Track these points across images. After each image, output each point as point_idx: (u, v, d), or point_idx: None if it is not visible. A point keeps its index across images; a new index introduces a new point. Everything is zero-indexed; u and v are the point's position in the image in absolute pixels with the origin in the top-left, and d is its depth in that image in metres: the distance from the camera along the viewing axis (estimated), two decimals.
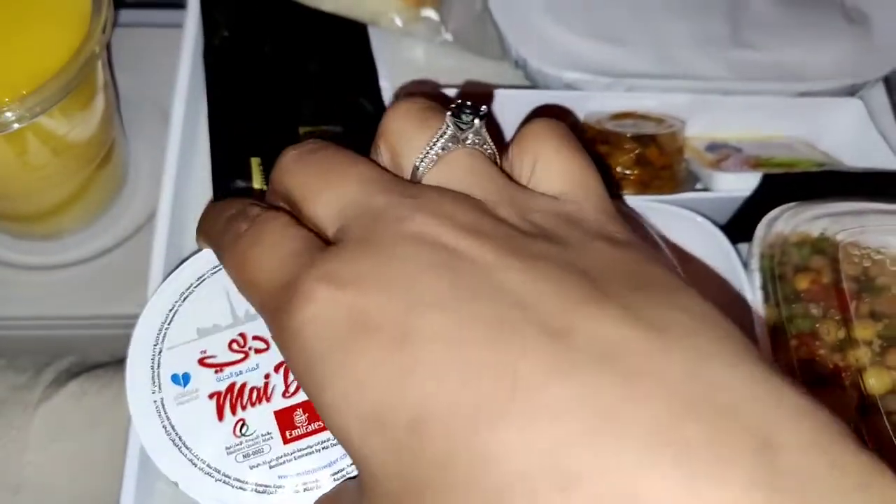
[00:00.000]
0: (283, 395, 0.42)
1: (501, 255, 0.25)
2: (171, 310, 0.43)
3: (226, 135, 0.52)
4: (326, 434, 0.40)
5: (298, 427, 0.41)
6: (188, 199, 0.53)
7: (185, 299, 0.43)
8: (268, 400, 0.42)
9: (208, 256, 0.44)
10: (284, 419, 0.41)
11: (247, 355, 0.42)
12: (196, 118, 0.54)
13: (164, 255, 0.48)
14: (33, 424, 0.57)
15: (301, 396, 0.41)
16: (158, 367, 0.42)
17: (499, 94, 0.55)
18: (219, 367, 0.42)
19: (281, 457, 0.40)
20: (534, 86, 0.58)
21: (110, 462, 0.54)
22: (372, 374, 0.25)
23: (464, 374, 0.23)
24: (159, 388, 0.41)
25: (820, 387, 0.47)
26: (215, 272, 0.44)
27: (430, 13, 0.57)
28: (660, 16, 0.57)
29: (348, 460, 0.39)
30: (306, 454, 0.40)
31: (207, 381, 0.41)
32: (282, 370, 0.42)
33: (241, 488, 0.39)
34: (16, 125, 0.41)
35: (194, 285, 0.44)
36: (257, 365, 0.42)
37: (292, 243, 0.30)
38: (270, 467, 0.40)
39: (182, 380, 0.41)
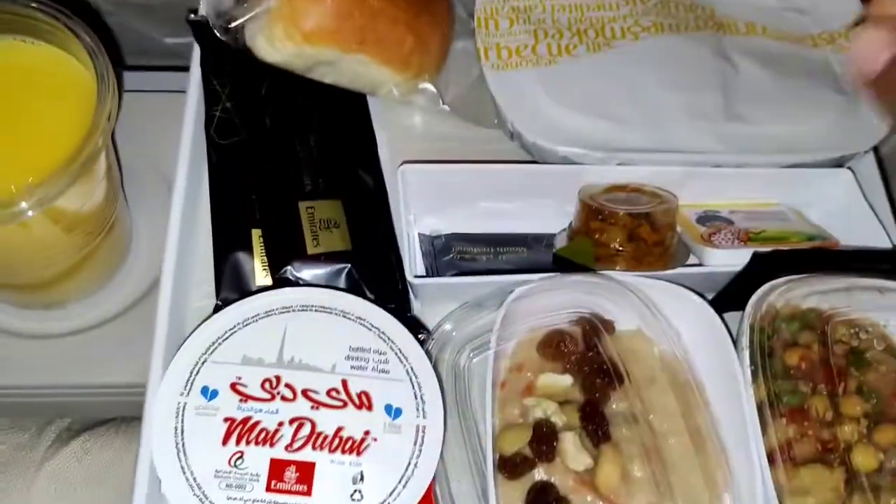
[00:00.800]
0: (286, 447, 0.44)
1: None
2: (231, 329, 0.47)
3: (227, 207, 0.54)
4: (305, 500, 0.42)
5: (285, 482, 0.43)
6: (190, 269, 0.54)
7: (246, 324, 0.47)
8: (271, 445, 0.44)
9: (284, 296, 0.48)
10: (277, 469, 0.43)
11: (273, 398, 0.45)
12: (198, 188, 0.55)
13: (166, 327, 0.49)
14: (37, 484, 0.58)
15: (300, 455, 0.43)
16: (197, 374, 0.45)
17: (495, 169, 0.56)
18: (245, 397, 0.45)
19: (257, 501, 0.42)
20: (530, 155, 0.59)
21: None
22: None
23: None
24: (188, 393, 0.45)
25: (808, 464, 0.47)
26: (283, 312, 0.47)
27: (427, 85, 0.58)
28: (653, 91, 0.58)
29: None
30: None
31: (230, 405, 0.44)
32: (294, 425, 0.44)
33: None
34: (29, 213, 0.43)
35: (260, 316, 0.47)
36: (277, 410, 0.44)
37: None
38: None
39: (210, 394, 0.45)
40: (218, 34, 0.53)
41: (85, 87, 0.46)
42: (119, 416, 0.61)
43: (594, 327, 0.51)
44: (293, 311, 0.47)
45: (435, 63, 0.57)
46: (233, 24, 0.52)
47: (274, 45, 0.52)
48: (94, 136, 0.43)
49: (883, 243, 0.55)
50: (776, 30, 0.62)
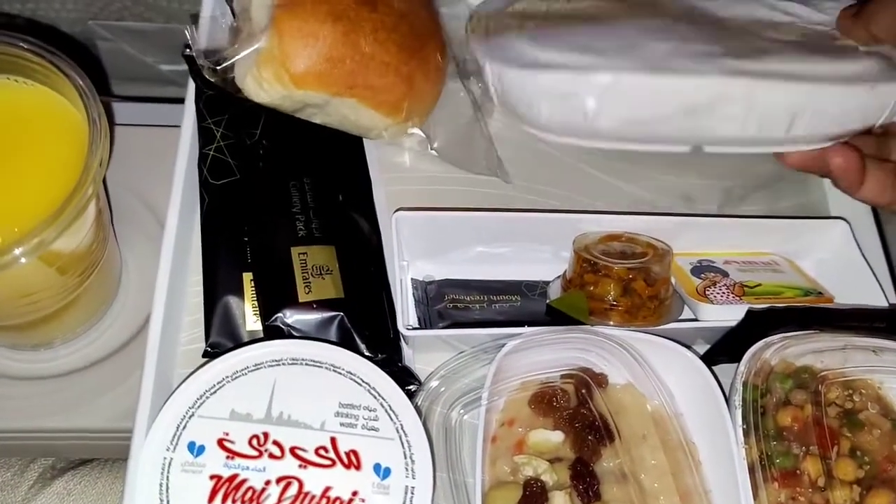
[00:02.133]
0: None
1: None
2: (219, 382, 0.46)
3: (219, 249, 0.53)
4: None
5: None
6: (180, 312, 0.53)
7: (235, 378, 0.46)
8: None
9: (273, 348, 0.47)
10: None
11: (260, 455, 0.44)
12: (190, 228, 0.54)
13: (154, 372, 0.48)
14: None
15: None
16: (184, 428, 0.44)
17: (489, 216, 0.55)
18: (232, 454, 0.44)
19: None
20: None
21: None
22: None
23: None
24: (174, 449, 0.44)
25: None
26: (273, 365, 0.47)
27: (416, 130, 0.57)
28: (645, 39, 0.54)
29: None
30: None
31: (216, 462, 0.43)
32: (282, 484, 0.43)
33: None
34: (23, 260, 0.42)
35: (249, 369, 0.46)
36: (264, 468, 0.44)
37: None
38: None
39: (196, 450, 0.44)
40: (206, 75, 0.52)
41: (76, 129, 0.45)
42: (104, 457, 0.60)
43: (586, 382, 0.51)
44: (283, 364, 0.46)
45: (424, 107, 0.57)
46: (222, 65, 0.51)
47: (262, 86, 0.51)
48: (85, 183, 0.42)
49: (877, 297, 0.55)
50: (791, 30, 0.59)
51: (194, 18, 0.53)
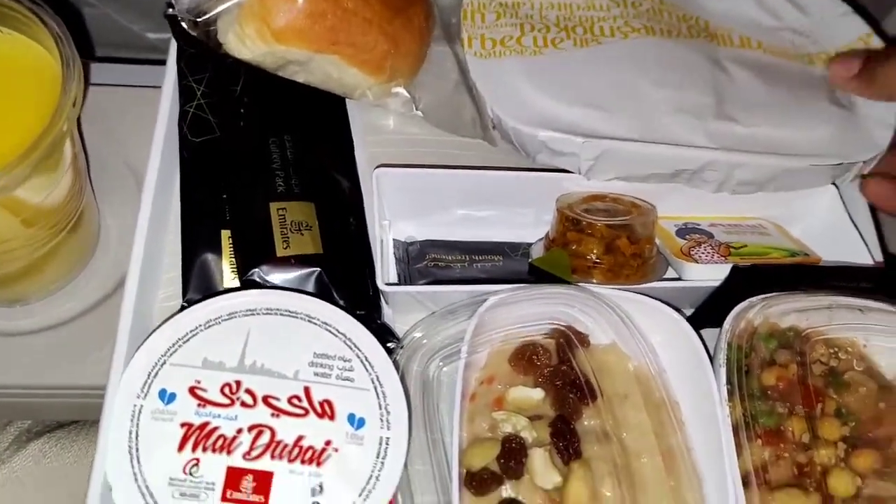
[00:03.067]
0: (244, 455, 0.42)
1: None
2: (192, 330, 0.45)
3: (198, 206, 0.52)
4: None
5: (242, 492, 0.42)
6: (157, 269, 0.53)
7: (209, 326, 0.45)
8: (228, 453, 0.42)
9: (248, 298, 0.46)
10: (233, 478, 0.42)
11: (232, 403, 0.43)
12: (169, 185, 0.54)
13: (129, 328, 0.48)
14: None
15: (258, 464, 0.42)
16: (155, 376, 0.44)
17: (471, 174, 0.55)
18: (204, 402, 0.43)
19: None
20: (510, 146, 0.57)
21: None
22: None
23: None
24: (145, 396, 0.43)
25: (783, 488, 0.46)
26: (247, 315, 0.46)
27: (400, 90, 0.57)
28: (639, 85, 0.56)
29: None
30: None
31: (187, 410, 0.43)
32: (254, 432, 0.43)
33: None
34: None
35: (223, 318, 0.46)
36: (236, 416, 0.43)
37: None
38: None
39: (168, 398, 0.43)
40: (187, 28, 0.52)
41: (52, 75, 0.45)
42: (81, 420, 0.60)
43: (568, 340, 0.50)
44: (258, 314, 0.46)
45: (409, 67, 0.56)
46: (202, 19, 0.51)
47: (244, 42, 0.51)
48: (58, 120, 0.42)
49: (865, 261, 0.54)
50: (772, 45, 0.61)
51: None
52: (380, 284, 0.50)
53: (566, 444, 0.47)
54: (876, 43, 0.60)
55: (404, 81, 0.56)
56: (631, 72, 0.56)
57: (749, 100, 0.57)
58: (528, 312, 0.50)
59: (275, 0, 0.50)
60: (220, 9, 0.51)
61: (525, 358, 0.50)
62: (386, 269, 0.53)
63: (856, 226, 0.56)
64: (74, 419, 0.59)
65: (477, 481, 0.46)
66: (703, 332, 0.51)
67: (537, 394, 0.49)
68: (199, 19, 0.51)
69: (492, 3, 0.59)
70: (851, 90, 0.58)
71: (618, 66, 0.56)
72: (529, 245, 0.57)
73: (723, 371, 0.48)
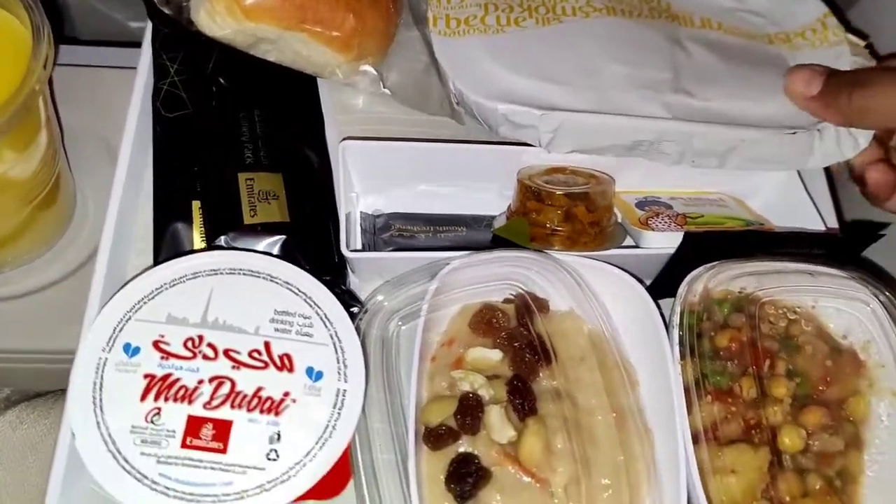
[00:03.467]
0: (205, 405, 0.44)
1: None
2: (157, 288, 0.47)
3: (169, 178, 0.54)
4: (220, 457, 0.43)
5: (201, 439, 0.43)
6: (131, 239, 0.55)
7: (173, 285, 0.47)
8: (189, 402, 0.44)
9: (212, 258, 0.48)
10: (193, 426, 0.43)
11: (194, 356, 0.45)
12: (143, 160, 0.56)
13: (100, 293, 0.49)
14: None
15: (218, 413, 0.44)
16: (120, 331, 0.45)
17: (436, 147, 0.56)
18: (167, 354, 0.45)
19: (171, 457, 0.43)
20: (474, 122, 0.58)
21: (43, 491, 0.55)
22: None
23: None
24: (109, 350, 0.45)
25: (733, 444, 0.47)
26: (211, 274, 0.48)
27: (368, 68, 0.58)
28: (598, 61, 0.57)
29: (228, 489, 0.42)
30: (194, 466, 0.42)
31: (151, 362, 0.45)
32: (214, 383, 0.44)
33: (124, 469, 0.42)
34: None
35: (188, 277, 0.48)
36: (198, 368, 0.45)
37: None
38: (158, 461, 0.42)
39: (132, 351, 0.45)
40: (159, 5, 0.53)
41: (24, 43, 0.47)
42: (59, 389, 0.61)
43: (527, 304, 0.51)
44: (221, 273, 0.47)
45: (377, 46, 0.58)
46: None
47: (215, 19, 0.52)
48: (29, 79, 0.44)
49: (819, 230, 0.55)
50: (732, 26, 0.62)
51: None
52: (344, 251, 0.51)
53: (522, 401, 0.48)
54: (832, 24, 0.61)
55: (373, 60, 0.58)
56: (590, 48, 0.58)
57: (706, 75, 0.58)
58: (488, 276, 0.52)
59: None
60: None
61: (485, 321, 0.52)
62: (353, 239, 0.55)
63: (811, 197, 0.57)
64: (52, 388, 0.60)
65: (434, 436, 0.47)
66: (661, 302, 0.53)
67: (496, 355, 0.51)
68: None
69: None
70: (807, 109, 0.56)
71: (578, 42, 0.58)
72: (493, 217, 0.58)
73: (676, 332, 0.49)
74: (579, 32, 0.59)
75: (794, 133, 0.55)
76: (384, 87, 0.59)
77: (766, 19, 0.63)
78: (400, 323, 0.50)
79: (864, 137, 0.55)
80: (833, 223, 0.58)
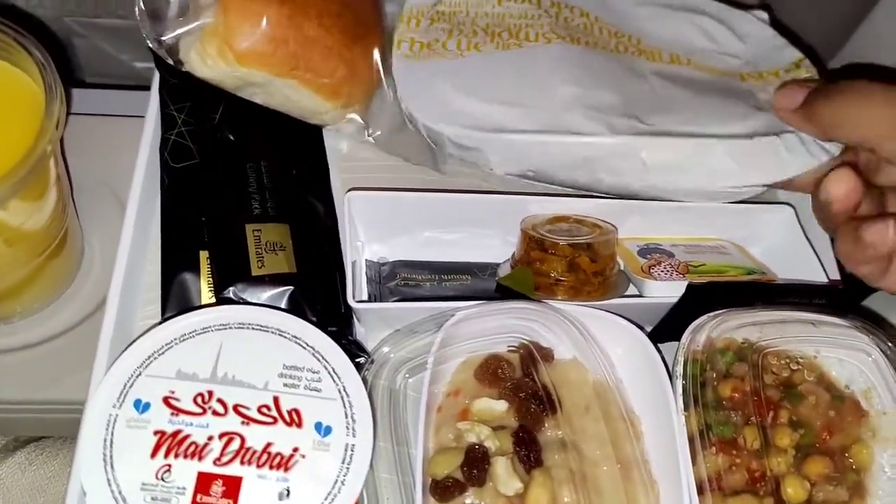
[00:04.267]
0: (215, 461, 0.44)
1: None
2: (167, 344, 0.47)
3: (177, 229, 0.55)
4: None
5: (211, 496, 0.43)
6: (138, 289, 0.55)
7: (183, 340, 0.48)
8: (199, 459, 0.44)
9: (221, 313, 0.49)
10: (203, 483, 0.44)
11: (204, 412, 0.45)
12: (151, 210, 0.56)
13: (109, 344, 0.50)
14: None
15: (228, 469, 0.44)
16: (131, 387, 0.46)
17: (439, 197, 0.57)
18: (177, 410, 0.45)
19: None
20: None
21: None
22: None
23: None
24: (120, 406, 0.45)
25: (737, 495, 0.48)
26: (220, 329, 0.48)
27: (354, 116, 0.59)
28: (552, 84, 0.58)
29: None
30: None
31: (161, 418, 0.45)
32: (224, 439, 0.45)
33: None
34: None
35: (197, 332, 0.48)
36: (207, 424, 0.45)
37: None
38: None
39: (142, 407, 0.45)
40: (151, 45, 0.53)
41: (36, 100, 0.47)
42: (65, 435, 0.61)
43: (531, 355, 0.52)
44: (230, 328, 0.48)
45: (364, 94, 0.58)
46: (166, 37, 0.53)
47: (205, 61, 0.53)
48: (42, 140, 0.44)
49: (821, 279, 0.56)
50: (701, 63, 0.63)
51: None
52: (350, 302, 0.52)
53: (528, 452, 0.49)
54: (806, 64, 0.62)
55: (359, 108, 0.59)
56: (545, 71, 0.59)
57: (662, 105, 0.59)
58: (493, 327, 0.52)
59: (238, 22, 0.52)
60: (184, 29, 0.52)
61: (490, 371, 0.52)
62: (359, 289, 0.55)
63: (812, 246, 0.58)
64: (60, 435, 0.60)
65: (441, 488, 0.47)
66: (662, 346, 0.54)
67: (501, 405, 0.51)
68: (163, 38, 0.53)
69: (430, 11, 0.62)
70: (790, 122, 0.57)
71: (534, 66, 0.59)
72: (497, 265, 0.59)
73: (679, 382, 0.50)
74: (538, 57, 0.59)
75: (751, 139, 0.56)
76: (368, 135, 0.60)
77: (741, 60, 0.63)
78: (406, 375, 0.50)
79: (835, 146, 0.56)
80: (834, 273, 0.58)
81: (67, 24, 0.69)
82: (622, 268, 0.57)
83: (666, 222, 0.59)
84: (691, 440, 0.49)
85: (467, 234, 0.59)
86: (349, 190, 0.56)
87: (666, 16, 0.64)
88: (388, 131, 0.60)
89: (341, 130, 0.60)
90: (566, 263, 0.54)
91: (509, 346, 0.53)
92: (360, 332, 0.55)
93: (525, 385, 0.51)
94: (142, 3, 0.54)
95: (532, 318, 0.52)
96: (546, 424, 0.50)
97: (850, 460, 0.51)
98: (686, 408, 0.49)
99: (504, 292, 0.54)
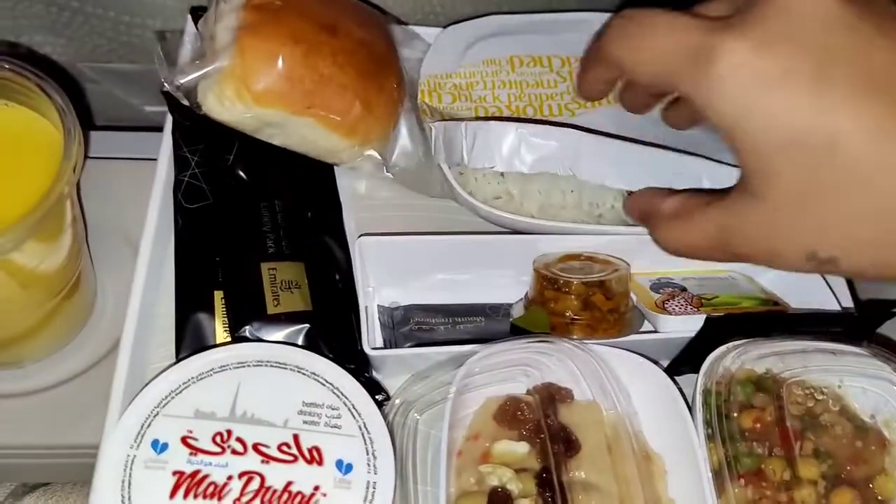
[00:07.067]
0: (235, 501, 0.43)
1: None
2: (184, 383, 0.47)
3: (191, 269, 0.54)
4: None
5: None
6: (152, 331, 0.54)
7: (201, 378, 0.47)
8: (219, 499, 0.43)
9: (238, 351, 0.48)
10: None
11: (223, 451, 0.45)
12: (164, 252, 0.56)
13: (123, 387, 0.49)
14: None
15: None
16: (148, 427, 0.45)
17: (450, 239, 0.57)
18: (195, 450, 0.44)
19: None
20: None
21: None
22: (792, 106, 0.36)
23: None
24: (138, 447, 0.44)
25: None
26: (238, 367, 0.48)
27: (372, 152, 0.59)
28: None
29: None
30: None
31: (179, 459, 0.44)
32: (244, 479, 0.44)
33: None
34: None
35: (215, 370, 0.47)
36: (227, 464, 0.44)
37: (687, 19, 0.41)
38: None
39: (160, 448, 0.44)
40: (169, 89, 0.54)
41: (55, 144, 0.47)
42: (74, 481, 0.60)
43: (551, 395, 0.51)
44: (248, 366, 0.47)
45: (381, 131, 0.59)
46: (183, 81, 0.53)
47: (223, 103, 0.53)
48: (59, 183, 0.44)
49: (833, 307, 0.56)
50: None
51: (160, 35, 0.56)
52: (366, 349, 0.51)
53: (552, 494, 0.47)
54: None
55: (377, 145, 0.59)
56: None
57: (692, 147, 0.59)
58: (512, 367, 0.52)
59: (255, 64, 0.52)
60: (201, 72, 0.53)
61: (509, 413, 0.51)
62: (373, 335, 0.55)
63: (823, 276, 0.58)
64: (71, 481, 0.59)
65: None
66: (679, 379, 0.53)
67: (522, 447, 0.50)
68: (180, 82, 0.53)
69: (447, 84, 0.62)
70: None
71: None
72: (510, 306, 0.58)
73: (700, 415, 0.50)
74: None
75: None
76: (387, 171, 0.60)
77: None
78: (427, 415, 0.50)
79: None
80: (847, 301, 0.59)
81: (80, 70, 0.70)
82: (636, 304, 0.57)
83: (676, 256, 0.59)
84: (717, 473, 0.48)
85: (479, 275, 0.58)
86: (360, 235, 0.56)
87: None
88: (407, 166, 0.60)
89: (359, 169, 0.60)
90: (581, 302, 0.54)
91: (528, 387, 0.52)
92: (377, 377, 0.54)
93: (546, 426, 0.50)
94: (160, 49, 0.55)
95: (550, 355, 0.52)
96: (569, 465, 0.49)
97: (874, 491, 0.50)
98: (709, 440, 0.49)
99: (519, 333, 0.53)
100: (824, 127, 0.36)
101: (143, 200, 0.55)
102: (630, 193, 0.55)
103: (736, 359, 0.51)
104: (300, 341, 0.51)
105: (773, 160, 0.38)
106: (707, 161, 0.57)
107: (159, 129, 0.59)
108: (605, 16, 0.65)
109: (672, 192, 0.49)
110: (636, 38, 0.43)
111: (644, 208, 0.50)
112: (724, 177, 0.54)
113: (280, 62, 0.52)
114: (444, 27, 0.64)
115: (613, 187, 0.58)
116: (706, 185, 0.54)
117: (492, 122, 0.55)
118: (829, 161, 0.36)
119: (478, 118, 0.61)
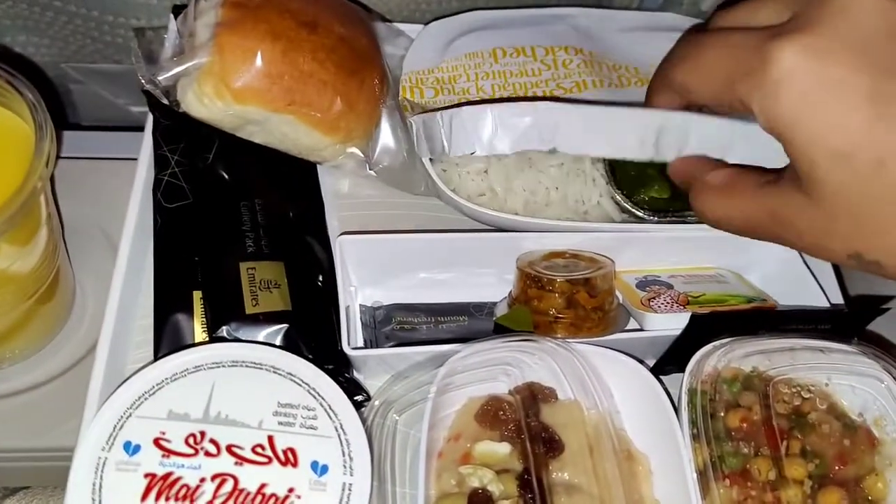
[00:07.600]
0: None
1: None
2: (158, 384, 0.46)
3: (170, 269, 0.54)
4: None
5: None
6: (131, 332, 0.54)
7: (174, 379, 0.46)
8: (191, 502, 0.42)
9: (213, 351, 0.47)
10: None
11: (196, 453, 0.44)
12: (144, 253, 0.56)
13: (100, 388, 0.48)
14: None
15: None
16: (120, 428, 0.44)
17: (432, 237, 0.56)
18: (168, 452, 0.44)
19: None
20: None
21: None
22: (845, 121, 0.37)
23: None
24: (110, 449, 0.43)
25: None
26: (213, 367, 0.47)
27: (354, 150, 0.58)
28: None
29: None
30: None
31: (151, 461, 0.43)
32: (217, 481, 0.43)
33: None
34: None
35: (189, 371, 0.47)
36: (199, 466, 0.43)
37: (741, 33, 0.42)
38: None
39: (132, 449, 0.44)
40: (147, 87, 0.53)
41: (27, 143, 0.47)
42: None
43: (533, 395, 0.51)
44: (223, 366, 0.47)
45: (363, 128, 0.58)
46: (162, 77, 0.52)
47: (203, 101, 0.52)
48: (31, 178, 0.44)
49: (822, 304, 0.55)
50: None
51: (139, 32, 0.55)
52: (346, 349, 0.50)
53: (533, 496, 0.47)
54: None
55: (359, 142, 0.58)
56: None
57: None
58: (493, 369, 0.51)
59: (234, 60, 0.51)
60: (179, 69, 0.52)
61: (491, 413, 0.50)
62: (354, 335, 0.54)
63: (810, 269, 0.57)
64: (51, 484, 0.59)
65: None
66: (665, 379, 0.52)
67: (504, 448, 0.49)
68: (159, 80, 0.53)
69: (428, 79, 0.62)
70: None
71: None
72: (494, 304, 0.58)
73: (685, 415, 0.49)
74: None
75: None
76: (370, 169, 0.59)
77: None
78: (406, 416, 0.49)
79: None
80: (837, 298, 0.58)
81: (64, 70, 0.69)
82: (621, 301, 0.56)
83: (662, 253, 0.58)
84: (702, 473, 0.47)
85: (462, 274, 0.58)
86: (341, 234, 0.55)
87: (649, 39, 0.63)
88: (390, 164, 0.59)
89: (342, 167, 0.59)
90: (565, 300, 0.53)
91: (510, 387, 0.52)
92: (358, 377, 0.54)
93: (527, 426, 0.49)
94: (138, 46, 0.54)
95: (532, 354, 0.51)
96: (551, 466, 0.49)
97: (864, 491, 0.49)
98: (695, 440, 0.48)
99: (502, 332, 0.52)
100: (873, 144, 0.38)
101: (123, 200, 0.55)
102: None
103: (722, 357, 0.51)
104: (279, 341, 0.51)
105: (823, 168, 0.39)
106: (694, 115, 0.55)
107: (143, 128, 0.59)
108: (587, 10, 0.65)
109: (720, 163, 0.50)
110: (693, 59, 0.45)
111: (690, 172, 0.50)
112: (714, 130, 0.51)
113: (259, 59, 0.52)
114: (426, 24, 0.64)
115: (598, 155, 0.56)
116: (693, 141, 0.52)
117: (465, 107, 0.53)
118: (877, 177, 0.38)
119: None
